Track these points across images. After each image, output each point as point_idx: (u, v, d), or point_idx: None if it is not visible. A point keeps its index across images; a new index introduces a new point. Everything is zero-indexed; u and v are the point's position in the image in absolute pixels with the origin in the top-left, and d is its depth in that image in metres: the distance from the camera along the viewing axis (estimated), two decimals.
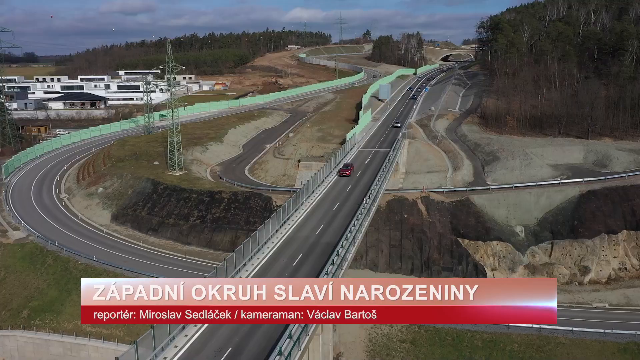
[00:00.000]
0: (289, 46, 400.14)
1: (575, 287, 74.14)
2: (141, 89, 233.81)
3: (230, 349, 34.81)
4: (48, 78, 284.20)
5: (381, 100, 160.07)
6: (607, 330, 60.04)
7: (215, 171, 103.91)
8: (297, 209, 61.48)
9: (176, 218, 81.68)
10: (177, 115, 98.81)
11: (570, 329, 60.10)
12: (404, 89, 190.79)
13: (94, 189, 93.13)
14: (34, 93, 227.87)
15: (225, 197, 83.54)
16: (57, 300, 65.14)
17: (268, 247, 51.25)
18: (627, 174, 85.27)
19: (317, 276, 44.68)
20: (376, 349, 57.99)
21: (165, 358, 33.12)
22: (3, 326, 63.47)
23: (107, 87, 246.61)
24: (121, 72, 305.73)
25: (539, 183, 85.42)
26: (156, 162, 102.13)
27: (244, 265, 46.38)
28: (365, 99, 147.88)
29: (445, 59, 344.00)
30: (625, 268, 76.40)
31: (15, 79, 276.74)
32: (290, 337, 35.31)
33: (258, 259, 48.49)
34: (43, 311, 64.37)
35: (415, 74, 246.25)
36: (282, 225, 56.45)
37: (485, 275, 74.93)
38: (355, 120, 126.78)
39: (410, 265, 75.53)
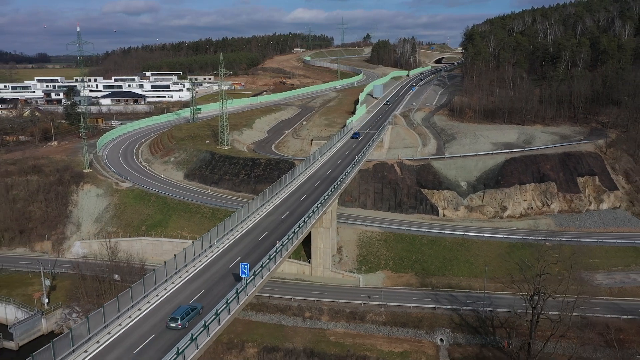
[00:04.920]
0: (294, 49, 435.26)
1: (498, 220, 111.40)
2: (171, 88, 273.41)
3: (288, 211, 73.02)
4: (86, 78, 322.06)
5: (375, 98, 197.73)
6: (504, 235, 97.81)
7: (251, 147, 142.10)
8: (315, 161, 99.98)
9: (230, 175, 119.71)
10: (226, 106, 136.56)
11: (481, 235, 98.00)
12: (396, 88, 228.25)
13: (167, 158, 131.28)
14: (80, 91, 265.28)
15: (262, 162, 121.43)
16: (163, 221, 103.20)
17: (299, 179, 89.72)
18: (540, 147, 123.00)
19: (327, 188, 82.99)
20: (362, 244, 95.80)
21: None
22: (131, 235, 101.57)
23: (140, 86, 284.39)
24: (147, 73, 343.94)
25: (478, 153, 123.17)
26: (207, 141, 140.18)
27: (288, 184, 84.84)
28: (362, 96, 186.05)
29: (438, 61, 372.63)
30: (532, 208, 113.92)
31: (58, 79, 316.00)
32: (322, 201, 73.93)
33: (294, 183, 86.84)
34: (155, 227, 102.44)
35: (408, 75, 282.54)
36: (307, 169, 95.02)
37: (438, 212, 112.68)
38: (354, 112, 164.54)
39: (388, 205, 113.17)
